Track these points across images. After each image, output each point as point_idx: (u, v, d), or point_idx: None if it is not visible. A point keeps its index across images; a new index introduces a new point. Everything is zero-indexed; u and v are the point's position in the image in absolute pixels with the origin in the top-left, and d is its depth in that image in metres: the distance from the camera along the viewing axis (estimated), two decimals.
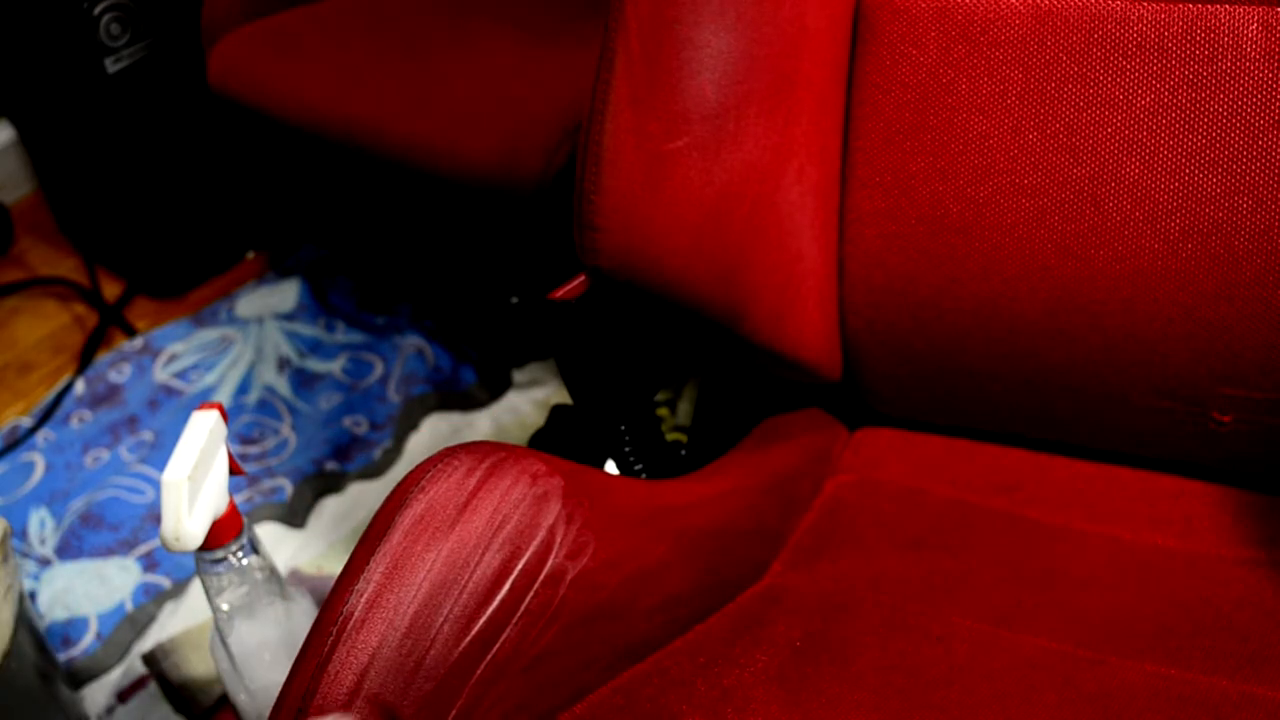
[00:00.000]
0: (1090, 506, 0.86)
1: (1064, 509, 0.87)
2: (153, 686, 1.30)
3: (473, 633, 0.68)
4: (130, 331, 1.79)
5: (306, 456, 1.55)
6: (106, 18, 1.60)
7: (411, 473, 0.74)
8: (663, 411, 1.53)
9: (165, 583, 1.40)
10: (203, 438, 0.86)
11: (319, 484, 1.52)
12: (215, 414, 0.88)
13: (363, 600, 0.65)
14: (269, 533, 1.44)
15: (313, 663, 0.64)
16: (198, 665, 1.29)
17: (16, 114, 1.91)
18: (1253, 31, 0.76)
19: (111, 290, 1.86)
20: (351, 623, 0.65)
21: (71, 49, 1.62)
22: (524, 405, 1.60)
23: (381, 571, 0.67)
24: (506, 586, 0.70)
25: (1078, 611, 0.78)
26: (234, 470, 0.91)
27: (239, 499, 1.48)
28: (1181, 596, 0.78)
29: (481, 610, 0.68)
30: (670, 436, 1.47)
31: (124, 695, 1.30)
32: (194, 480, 0.84)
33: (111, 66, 1.63)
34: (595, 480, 0.81)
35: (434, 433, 1.58)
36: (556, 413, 1.21)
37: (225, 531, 0.89)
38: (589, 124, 0.77)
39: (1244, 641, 0.74)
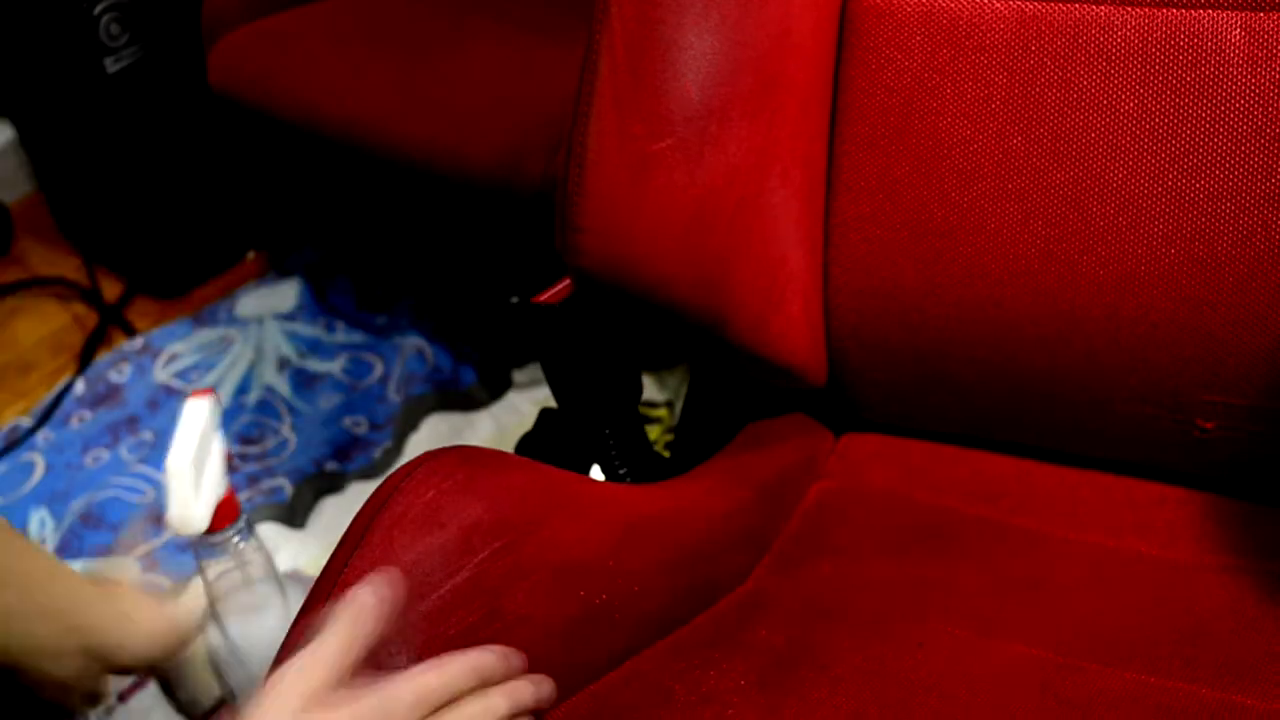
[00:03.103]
0: (1073, 514, 0.86)
1: (1047, 516, 0.86)
2: (153, 686, 1.30)
3: (449, 636, 0.68)
4: (130, 331, 1.79)
5: (306, 456, 1.56)
6: (106, 18, 1.60)
7: (391, 475, 0.74)
8: (662, 412, 1.53)
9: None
10: (201, 423, 0.86)
11: (319, 484, 1.52)
12: (209, 400, 0.88)
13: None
14: (269, 533, 1.44)
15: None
16: (198, 666, 1.29)
17: (16, 114, 1.92)
18: (1235, 36, 0.75)
19: (111, 290, 1.87)
20: None
21: (71, 49, 1.63)
22: (524, 405, 1.60)
23: (359, 574, 0.67)
24: (484, 590, 0.70)
25: (1059, 619, 0.77)
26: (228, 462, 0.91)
27: (239, 499, 1.49)
28: (1163, 604, 0.78)
29: (457, 614, 0.68)
30: (669, 438, 1.47)
31: (124, 695, 1.30)
32: (196, 465, 0.84)
33: (111, 66, 1.63)
34: (577, 485, 0.81)
35: (434, 433, 1.58)
36: (544, 416, 1.22)
37: (224, 515, 0.89)
38: (573, 125, 0.77)
39: (1225, 650, 0.74)
